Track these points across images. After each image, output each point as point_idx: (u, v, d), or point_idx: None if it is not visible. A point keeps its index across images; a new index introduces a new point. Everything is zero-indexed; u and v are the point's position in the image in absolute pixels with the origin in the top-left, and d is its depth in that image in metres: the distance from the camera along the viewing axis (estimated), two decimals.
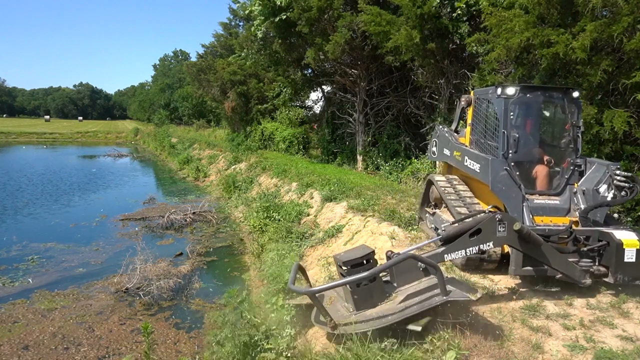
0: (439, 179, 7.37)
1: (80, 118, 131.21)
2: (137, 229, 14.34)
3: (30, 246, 12.14)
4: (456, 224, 5.48)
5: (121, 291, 9.09)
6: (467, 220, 5.48)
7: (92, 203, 18.91)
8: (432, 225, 7.55)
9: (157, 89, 73.23)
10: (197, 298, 9.01)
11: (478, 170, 6.32)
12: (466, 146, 7.08)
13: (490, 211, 5.27)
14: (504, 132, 6.00)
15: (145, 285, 9.03)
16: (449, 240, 4.97)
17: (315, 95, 25.95)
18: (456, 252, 4.89)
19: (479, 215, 5.38)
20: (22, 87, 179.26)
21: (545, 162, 6.24)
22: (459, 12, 11.59)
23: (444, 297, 4.27)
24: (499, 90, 6.09)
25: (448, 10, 12.07)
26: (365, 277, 4.39)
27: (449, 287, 4.39)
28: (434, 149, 8.34)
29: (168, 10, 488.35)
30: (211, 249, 12.29)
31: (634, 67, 7.65)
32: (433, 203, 7.70)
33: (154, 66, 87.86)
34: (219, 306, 8.24)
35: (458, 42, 12.09)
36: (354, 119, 18.32)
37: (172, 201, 19.12)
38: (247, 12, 19.23)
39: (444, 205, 7.21)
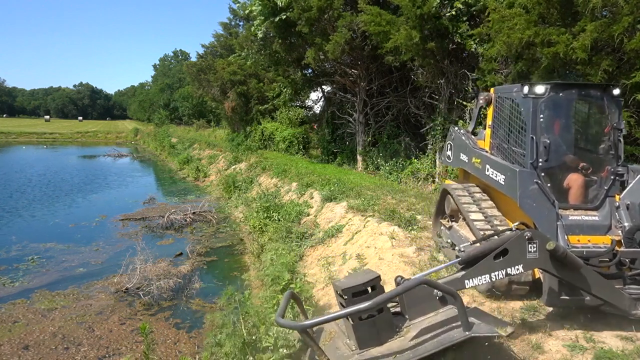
0: (456, 188, 6.47)
1: (80, 118, 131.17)
2: (137, 229, 14.35)
3: (30, 246, 12.14)
4: (477, 244, 4.77)
5: (121, 291, 9.10)
6: (490, 239, 4.71)
7: (92, 203, 18.93)
8: (449, 240, 6.81)
9: (157, 89, 73.23)
10: (197, 298, 9.01)
11: (503, 183, 5.51)
12: (487, 152, 6.25)
13: (517, 228, 4.51)
14: (532, 137, 5.20)
15: (145, 285, 9.03)
16: (470, 263, 4.21)
17: (315, 95, 25.98)
18: (479, 278, 4.07)
19: (504, 234, 4.56)
20: (22, 87, 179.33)
21: (581, 170, 5.33)
22: (458, 5, 11.53)
23: (466, 333, 3.54)
24: (526, 89, 5.29)
25: (448, 10, 12.07)
26: (367, 309, 3.53)
27: (471, 320, 3.72)
28: (449, 152, 7.47)
29: (168, 10, 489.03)
30: (211, 249, 12.29)
31: (634, 67, 7.66)
32: (449, 215, 6.84)
33: (154, 66, 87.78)
34: (218, 306, 8.24)
35: (458, 41, 12.09)
36: (354, 119, 18.32)
37: (172, 201, 19.13)
38: (247, 12, 19.22)
39: (461, 218, 6.39)
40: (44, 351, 6.89)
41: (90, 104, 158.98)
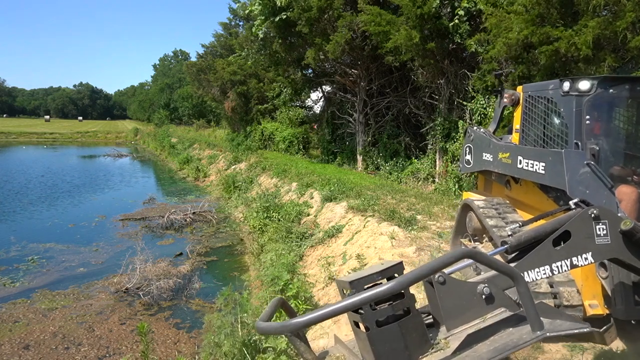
0: (480, 203, 5.56)
1: (80, 118, 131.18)
2: (137, 229, 14.35)
3: (30, 247, 12.14)
4: (528, 226, 3.58)
5: (121, 291, 9.10)
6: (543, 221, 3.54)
7: (91, 203, 18.93)
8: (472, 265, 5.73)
9: (157, 89, 73.28)
10: (197, 298, 9.02)
11: (542, 171, 4.60)
12: (516, 145, 5.43)
13: (577, 205, 3.52)
14: (577, 143, 4.38)
15: (145, 285, 9.03)
16: (522, 251, 3.16)
17: (315, 95, 26.01)
18: (537, 270, 3.00)
19: (562, 215, 3.40)
20: (22, 87, 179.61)
21: (635, 182, 4.45)
22: (460, 13, 11.58)
23: (538, 333, 2.43)
24: (567, 85, 4.51)
25: (448, 10, 12.08)
26: (388, 292, 2.42)
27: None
28: (468, 157, 6.62)
29: (168, 10, 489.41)
30: (211, 249, 12.30)
31: (638, 66, 7.66)
32: (471, 234, 5.95)
33: (154, 66, 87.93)
34: (216, 307, 8.25)
35: (458, 42, 12.10)
36: (354, 119, 18.32)
37: (172, 201, 19.13)
38: (247, 12, 19.23)
39: (486, 238, 5.51)
40: (45, 351, 6.89)
41: (90, 104, 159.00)
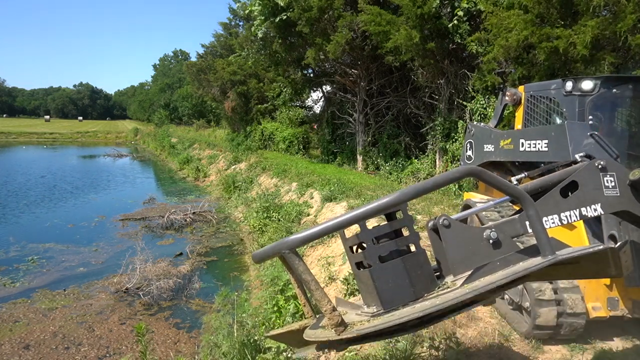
0: (482, 204, 5.25)
1: (80, 118, 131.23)
2: (137, 229, 14.35)
3: (30, 247, 12.13)
4: (533, 179, 3.66)
5: (121, 291, 9.10)
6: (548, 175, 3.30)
7: (91, 203, 18.92)
8: None
9: (157, 89, 73.31)
10: (197, 298, 9.01)
11: (546, 148, 4.49)
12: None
13: (584, 158, 3.48)
14: None
15: (145, 285, 9.03)
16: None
17: (315, 95, 26.01)
18: (545, 218, 2.79)
19: (569, 167, 3.24)
20: (22, 87, 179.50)
21: None
22: (459, 13, 11.59)
23: (550, 257, 2.33)
24: (570, 85, 4.48)
25: (448, 10, 12.08)
26: (390, 203, 2.38)
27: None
28: (469, 152, 6.57)
29: (168, 10, 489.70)
30: (211, 249, 12.30)
31: (638, 65, 7.67)
32: None
33: (154, 66, 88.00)
34: (214, 308, 8.24)
35: (458, 42, 12.10)
36: (354, 119, 18.32)
37: (172, 201, 19.12)
38: (247, 12, 19.21)
39: None
40: (45, 351, 6.89)
41: (90, 104, 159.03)
